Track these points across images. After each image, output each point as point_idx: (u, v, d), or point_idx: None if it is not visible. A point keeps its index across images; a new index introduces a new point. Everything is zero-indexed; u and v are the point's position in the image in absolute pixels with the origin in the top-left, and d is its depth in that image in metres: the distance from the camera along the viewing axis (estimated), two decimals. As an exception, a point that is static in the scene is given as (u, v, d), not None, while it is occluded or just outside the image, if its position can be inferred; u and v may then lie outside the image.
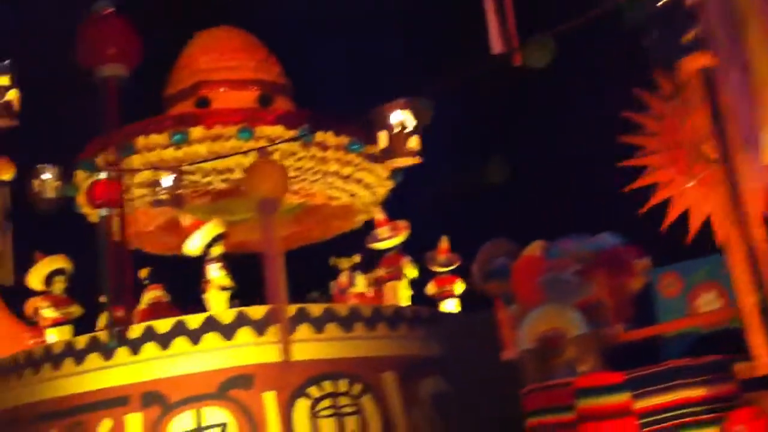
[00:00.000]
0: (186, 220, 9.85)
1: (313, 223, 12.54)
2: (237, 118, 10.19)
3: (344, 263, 11.87)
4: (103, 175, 7.92)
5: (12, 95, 9.01)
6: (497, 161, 13.01)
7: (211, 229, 9.71)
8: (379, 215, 11.69)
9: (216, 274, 9.54)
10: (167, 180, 8.93)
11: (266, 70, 11.76)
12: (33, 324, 11.36)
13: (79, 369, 8.57)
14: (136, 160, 10.16)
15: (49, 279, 10.72)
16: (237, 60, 11.44)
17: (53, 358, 8.71)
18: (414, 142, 7.81)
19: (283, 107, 11.42)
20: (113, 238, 8.21)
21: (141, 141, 10.10)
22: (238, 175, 10.24)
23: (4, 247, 9.55)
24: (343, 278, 11.77)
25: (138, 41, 9.66)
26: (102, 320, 9.89)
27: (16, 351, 10.37)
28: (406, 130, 7.64)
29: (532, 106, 14.34)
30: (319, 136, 10.38)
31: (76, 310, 10.76)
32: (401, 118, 7.72)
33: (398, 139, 7.62)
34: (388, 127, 7.69)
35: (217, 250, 9.70)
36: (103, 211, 7.83)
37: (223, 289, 9.47)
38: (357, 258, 11.85)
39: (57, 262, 10.78)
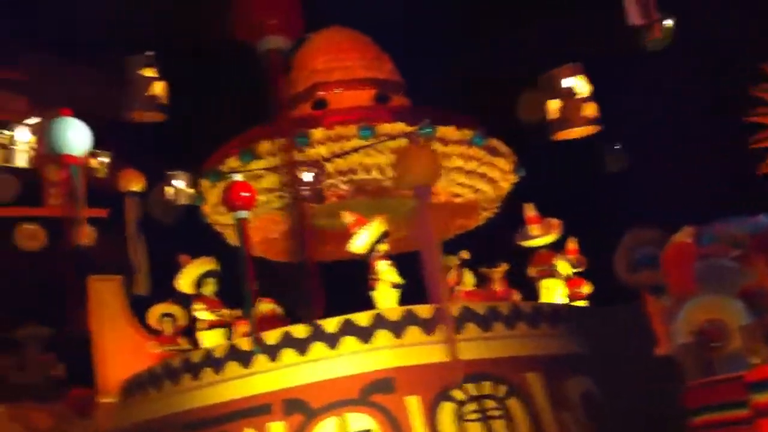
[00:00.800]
0: (347, 218, 9.69)
1: (435, 223, 12.25)
2: (355, 117, 10.05)
3: (452, 261, 11.53)
4: (238, 177, 7.80)
5: (158, 88, 8.82)
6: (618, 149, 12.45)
7: (377, 226, 9.53)
8: (531, 212, 11.33)
9: (384, 269, 9.35)
10: (308, 175, 8.78)
11: (379, 68, 11.58)
12: (157, 333, 11.58)
13: (218, 378, 8.54)
14: (256, 166, 10.15)
15: (199, 282, 10.63)
16: (351, 59, 11.29)
17: (193, 367, 8.71)
18: (591, 110, 7.29)
19: (399, 104, 11.24)
20: (248, 242, 8.11)
21: (263, 146, 10.07)
22: (362, 176, 10.13)
23: (139, 258, 9.64)
24: (452, 276, 11.45)
25: (300, 10, 9.27)
26: (239, 328, 9.84)
27: (143, 362, 10.67)
28: (580, 97, 7.13)
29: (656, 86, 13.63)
30: (441, 130, 10.13)
31: (228, 312, 10.69)
32: (573, 83, 7.19)
33: (572, 107, 7.11)
34: (560, 94, 7.16)
35: (383, 247, 9.52)
36: (241, 214, 7.72)
37: (394, 286, 9.27)
38: (465, 254, 11.49)
39: (207, 264, 10.66)
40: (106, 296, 12.35)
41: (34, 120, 8.52)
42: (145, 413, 9.56)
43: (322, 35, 11.60)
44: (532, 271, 11.28)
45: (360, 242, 9.48)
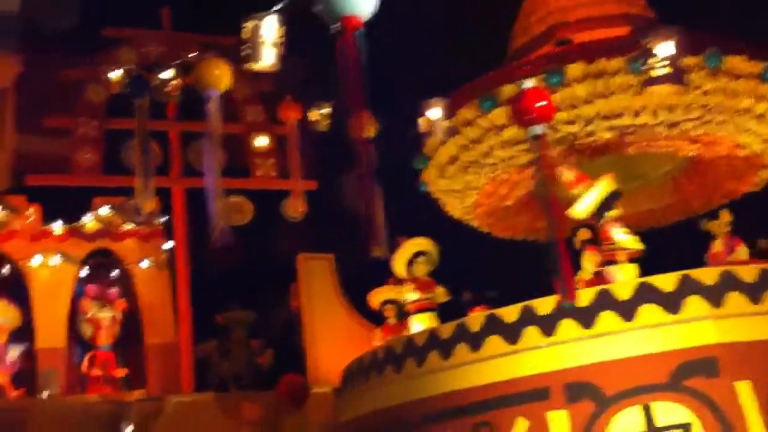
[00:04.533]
0: (567, 174, 7.97)
1: (695, 189, 10.23)
2: (620, 48, 8.23)
3: (719, 227, 9.42)
4: (530, 83, 6.09)
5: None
6: None
7: (605, 186, 7.78)
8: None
9: (622, 237, 7.58)
10: (663, 48, 7.19)
11: (631, 2, 9.75)
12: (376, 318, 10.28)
13: (474, 357, 6.92)
14: (498, 115, 8.55)
15: (410, 262, 9.41)
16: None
17: (442, 344, 7.15)
18: None
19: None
20: (549, 172, 6.39)
21: (506, 90, 8.45)
22: (628, 121, 8.33)
23: (376, 214, 8.21)
24: (718, 245, 9.35)
25: None
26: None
27: (358, 347, 9.40)
28: None
29: None
30: (729, 62, 8.16)
31: (441, 293, 9.33)
32: None
33: None
34: None
35: (614, 213, 7.78)
36: (538, 129, 5.99)
37: (633, 258, 7.49)
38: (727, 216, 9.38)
39: (420, 244, 9.51)
40: (316, 276, 11.17)
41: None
42: (368, 404, 8.16)
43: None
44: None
45: (583, 205, 7.71)
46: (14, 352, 9.94)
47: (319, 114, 9.58)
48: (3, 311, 10.02)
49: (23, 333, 10.10)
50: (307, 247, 11.20)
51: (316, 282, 11.11)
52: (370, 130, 9.10)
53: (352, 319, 11.09)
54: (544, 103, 6.05)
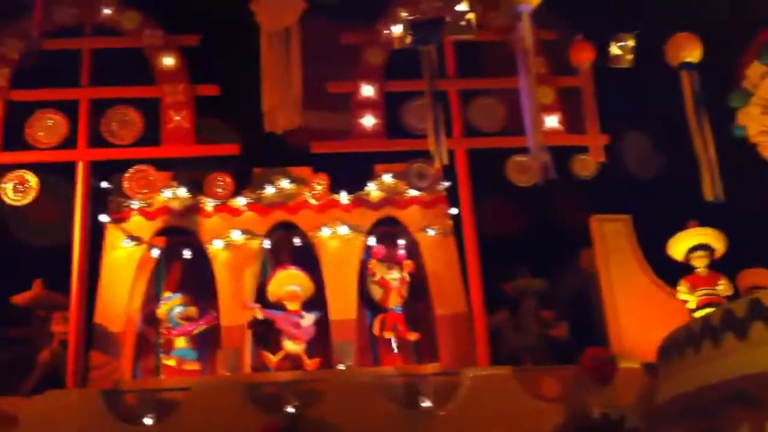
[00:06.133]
0: None
1: None
2: None
3: None
4: None
5: None
6: None
7: None
8: None
9: None
10: None
11: None
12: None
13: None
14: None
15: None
16: None
17: None
18: None
19: None
20: None
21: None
22: None
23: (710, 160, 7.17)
24: None
25: None
26: None
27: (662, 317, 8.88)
28: None
29: None
30: None
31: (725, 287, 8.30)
32: None
33: None
34: None
35: None
36: None
37: None
38: None
39: (704, 235, 9.20)
40: (612, 239, 10.14)
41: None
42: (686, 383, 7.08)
43: None
44: None
45: None
46: (308, 321, 9.94)
47: (620, 48, 8.46)
48: (297, 279, 10.05)
49: (315, 303, 10.10)
50: (600, 209, 10.20)
51: (613, 246, 10.08)
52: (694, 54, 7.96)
53: (656, 286, 9.97)
54: None
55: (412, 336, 10.05)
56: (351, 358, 9.65)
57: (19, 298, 9.89)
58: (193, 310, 9.93)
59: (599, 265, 9.99)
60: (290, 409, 8.61)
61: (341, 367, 9.53)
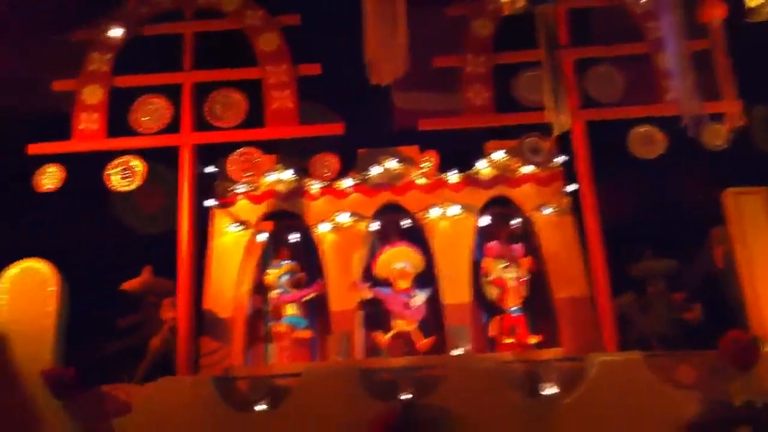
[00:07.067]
0: None
1: None
2: None
3: None
4: None
5: None
6: None
7: None
8: None
9: None
10: None
11: None
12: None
13: None
14: None
15: None
16: None
17: None
18: None
19: None
20: None
21: None
22: None
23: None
24: None
25: None
26: None
27: None
28: None
29: None
30: None
31: None
32: None
33: None
34: None
35: None
36: None
37: None
38: None
39: None
40: (749, 214, 9.33)
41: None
42: None
43: None
44: None
45: None
46: (419, 300, 9.51)
47: (760, -1, 7.69)
48: (406, 256, 9.63)
49: (426, 283, 9.66)
50: (734, 182, 9.39)
51: (750, 221, 9.26)
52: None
53: None
54: None
55: (534, 339, 9.41)
56: (466, 343, 9.16)
57: (129, 285, 9.81)
58: (302, 276, 9.77)
59: (735, 242, 9.20)
60: (406, 396, 8.20)
61: (456, 352, 9.05)
